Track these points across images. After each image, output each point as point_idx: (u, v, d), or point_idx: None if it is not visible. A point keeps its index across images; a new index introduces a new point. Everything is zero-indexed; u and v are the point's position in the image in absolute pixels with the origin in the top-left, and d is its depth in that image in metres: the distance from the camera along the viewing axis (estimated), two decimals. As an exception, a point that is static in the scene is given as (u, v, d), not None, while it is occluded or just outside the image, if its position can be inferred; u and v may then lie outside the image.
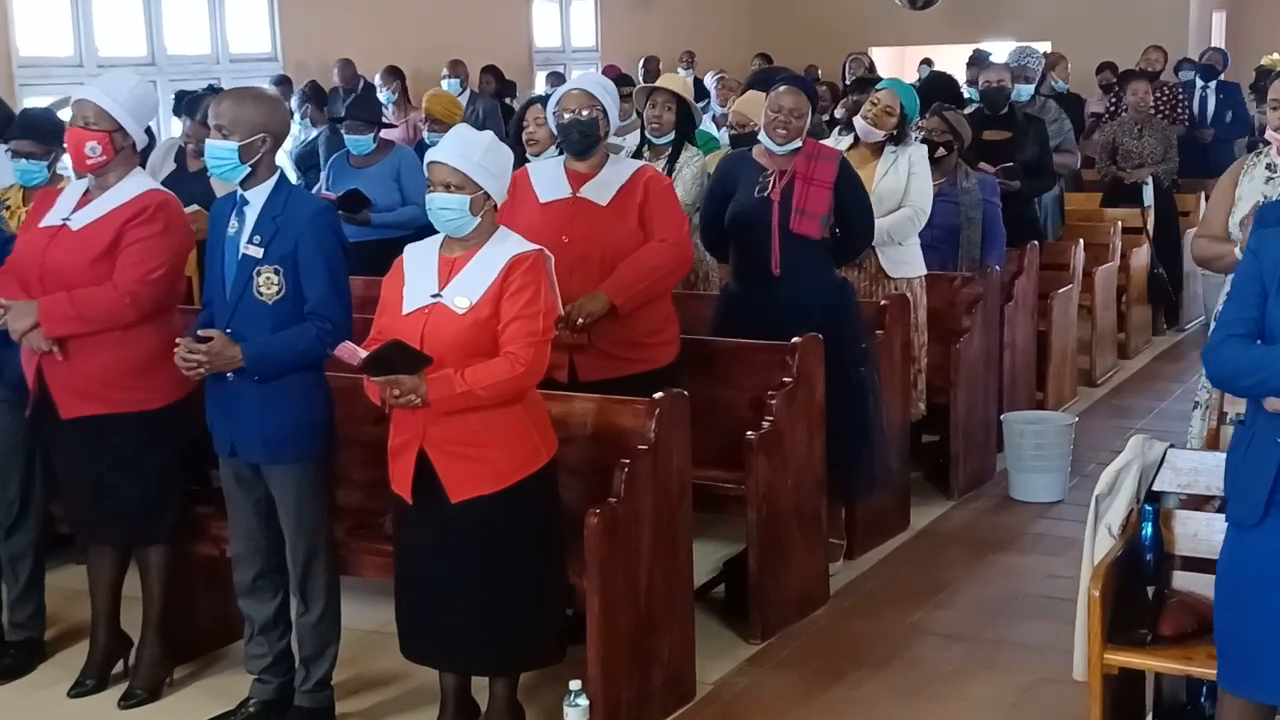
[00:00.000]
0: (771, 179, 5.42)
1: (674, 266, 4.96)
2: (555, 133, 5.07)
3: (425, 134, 8.16)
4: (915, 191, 6.22)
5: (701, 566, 5.07)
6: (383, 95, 10.74)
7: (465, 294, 3.99)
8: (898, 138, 6.28)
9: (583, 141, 4.90)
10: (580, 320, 4.75)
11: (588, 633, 4.25)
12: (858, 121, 6.30)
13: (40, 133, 5.26)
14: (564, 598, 4.27)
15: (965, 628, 5.21)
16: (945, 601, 5.46)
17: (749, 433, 4.97)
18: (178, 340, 4.29)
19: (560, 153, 5.68)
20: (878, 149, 6.25)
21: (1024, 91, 8.50)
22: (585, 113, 4.88)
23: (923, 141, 6.72)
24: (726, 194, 5.51)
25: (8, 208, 5.60)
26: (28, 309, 4.46)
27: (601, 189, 4.93)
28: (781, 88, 5.45)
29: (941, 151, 6.81)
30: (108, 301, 4.45)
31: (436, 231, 4.18)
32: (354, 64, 11.72)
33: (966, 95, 8.97)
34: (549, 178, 5.00)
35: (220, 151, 4.23)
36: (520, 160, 5.22)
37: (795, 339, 5.12)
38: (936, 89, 8.27)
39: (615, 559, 4.26)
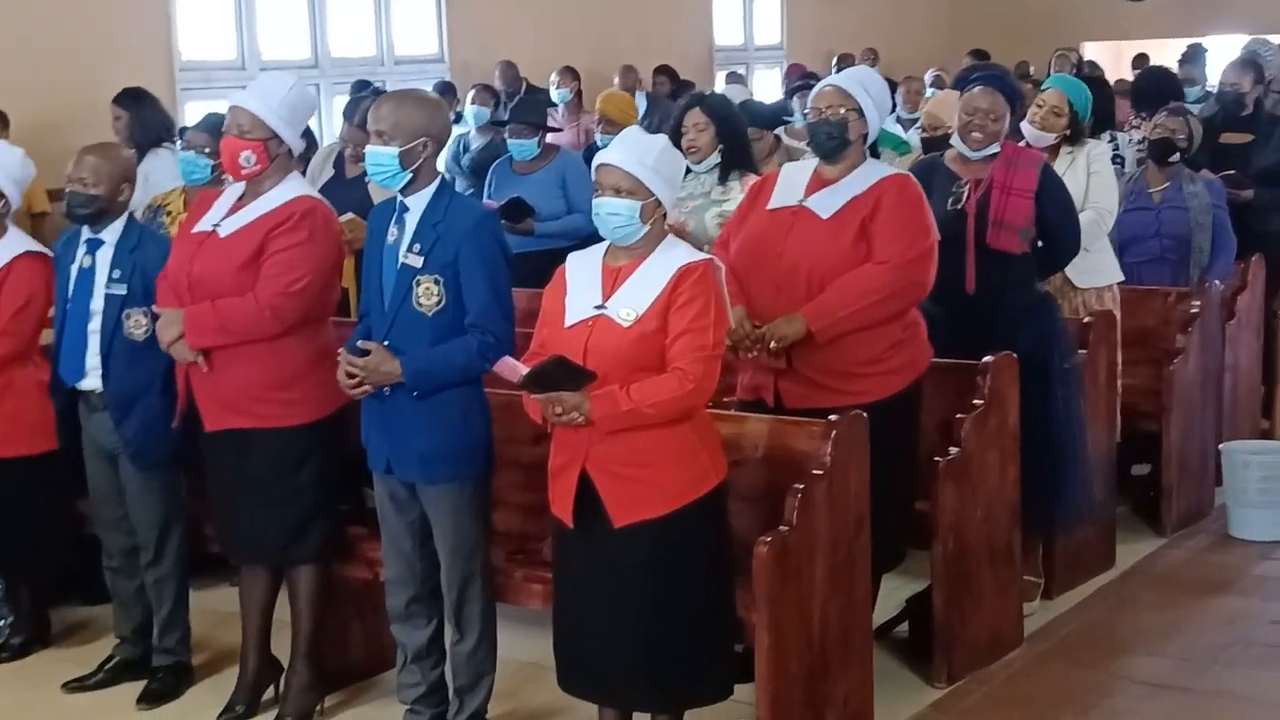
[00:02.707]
0: (966, 189, 5.35)
1: (891, 293, 4.69)
2: (807, 132, 4.96)
3: (598, 136, 8.26)
4: (1098, 191, 6.07)
5: (882, 603, 5.05)
6: (557, 95, 10.90)
7: (631, 306, 4.03)
8: (1072, 137, 6.16)
9: (827, 143, 4.79)
10: (773, 344, 4.68)
11: (757, 671, 4.25)
12: (1025, 126, 6.15)
13: (217, 130, 5.49)
14: (732, 632, 4.27)
15: (1176, 677, 5.09)
16: (1154, 648, 5.34)
17: (936, 459, 4.92)
18: (340, 352, 4.41)
19: (721, 159, 5.71)
20: (1053, 152, 6.09)
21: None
22: (837, 112, 4.77)
23: (1159, 141, 6.64)
24: None
25: (168, 213, 5.85)
26: (175, 318, 4.64)
27: (830, 199, 4.78)
28: (976, 88, 5.38)
29: (1175, 156, 6.75)
30: (249, 314, 4.60)
31: (602, 241, 4.22)
32: (515, 66, 11.91)
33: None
34: (791, 181, 4.90)
35: (381, 157, 4.34)
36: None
37: (987, 358, 5.07)
38: (1161, 86, 8.14)
39: (787, 592, 4.26)
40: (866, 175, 4.82)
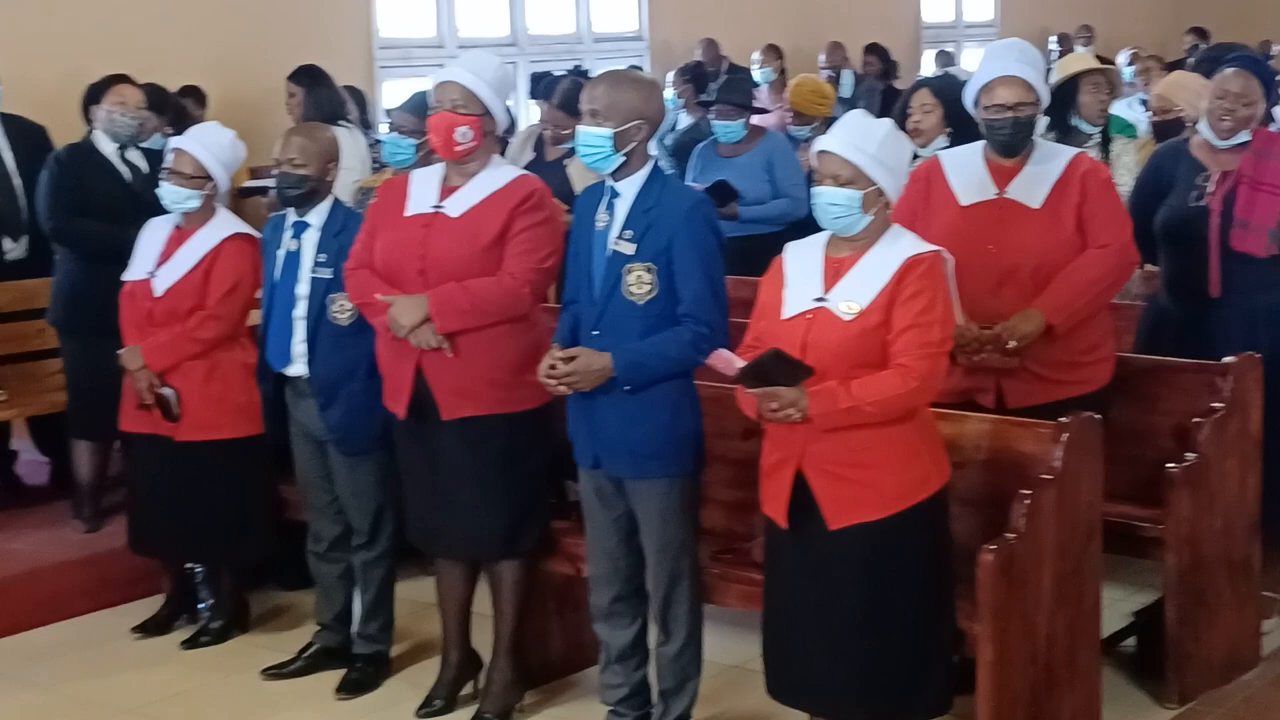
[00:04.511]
0: (1212, 181, 5.17)
1: (1118, 277, 4.76)
2: (982, 127, 4.82)
3: (789, 127, 8.18)
4: None
5: (1109, 615, 4.92)
6: (759, 75, 10.85)
7: (853, 299, 3.97)
8: None
9: (1015, 140, 4.72)
10: (1012, 344, 4.61)
11: (978, 685, 4.18)
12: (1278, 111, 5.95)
13: (422, 111, 5.54)
14: (951, 643, 4.19)
15: None
16: (1403, 672, 5.12)
17: (1170, 465, 4.77)
18: (553, 345, 4.42)
19: (949, 142, 5.57)
20: None
21: None
22: (1023, 110, 4.67)
23: None
24: (1159, 192, 5.27)
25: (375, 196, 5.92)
26: (416, 303, 4.60)
27: (1032, 187, 4.72)
28: (1229, 69, 5.21)
29: None
30: (506, 291, 4.60)
31: (809, 227, 4.17)
32: (717, 44, 11.87)
33: None
34: (968, 172, 4.81)
35: (593, 139, 4.33)
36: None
37: (1229, 358, 4.90)
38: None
39: (1012, 602, 4.17)
40: (1050, 156, 4.77)
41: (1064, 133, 6.20)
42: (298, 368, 5.10)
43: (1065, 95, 6.22)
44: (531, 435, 4.74)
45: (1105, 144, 6.25)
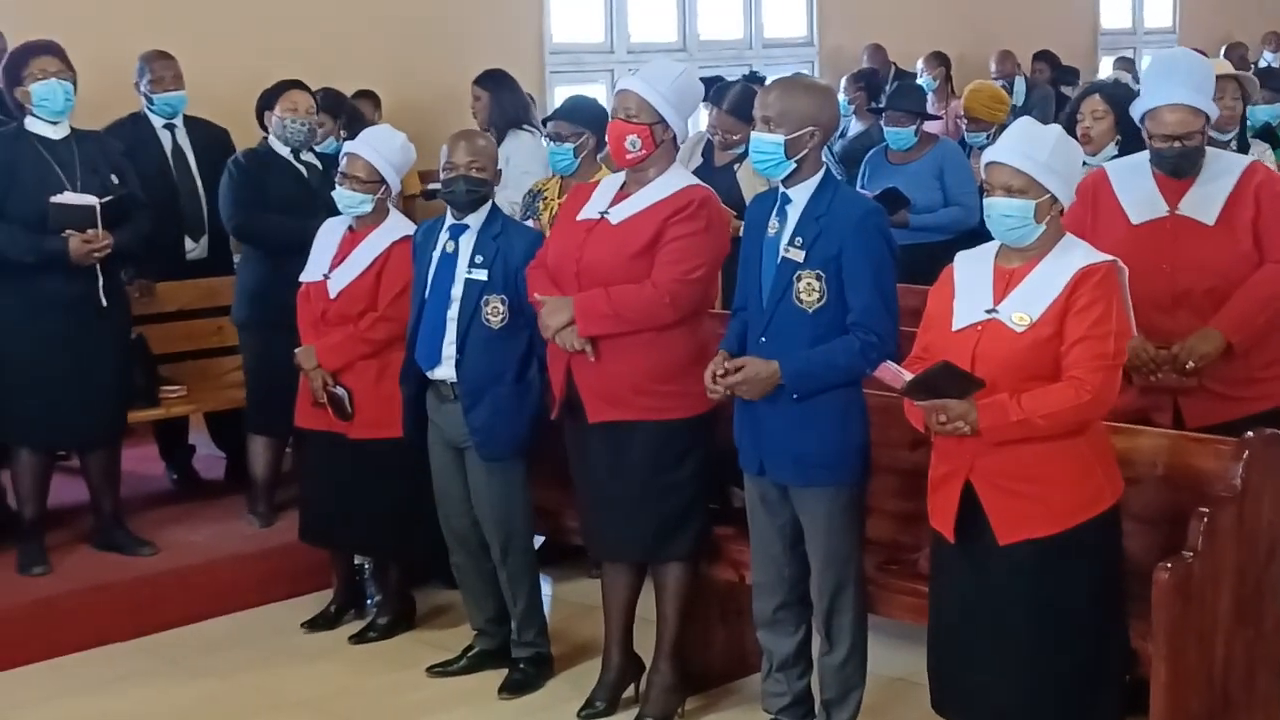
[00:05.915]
0: None
1: None
2: (1150, 149, 4.74)
3: (964, 134, 8.08)
4: None
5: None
6: (923, 81, 10.75)
7: (1024, 310, 3.90)
8: None
9: (1183, 166, 4.65)
10: (1190, 364, 4.56)
11: (1152, 707, 4.07)
12: None
13: (572, 116, 5.56)
14: (1123, 662, 4.10)
15: None
16: None
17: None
18: (720, 351, 4.40)
19: (1118, 150, 5.45)
20: None
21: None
22: (1194, 138, 4.60)
23: None
24: None
25: (544, 198, 5.96)
26: (563, 305, 4.66)
27: (1205, 203, 4.65)
28: None
29: None
30: (646, 300, 4.60)
31: (981, 236, 4.11)
32: (884, 50, 11.78)
33: None
34: (1137, 188, 4.74)
35: (765, 145, 4.32)
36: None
37: None
38: None
39: (1188, 623, 4.07)
40: (1222, 171, 4.68)
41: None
42: (444, 370, 5.10)
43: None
44: (685, 442, 4.71)
45: (1240, 150, 6.08)
